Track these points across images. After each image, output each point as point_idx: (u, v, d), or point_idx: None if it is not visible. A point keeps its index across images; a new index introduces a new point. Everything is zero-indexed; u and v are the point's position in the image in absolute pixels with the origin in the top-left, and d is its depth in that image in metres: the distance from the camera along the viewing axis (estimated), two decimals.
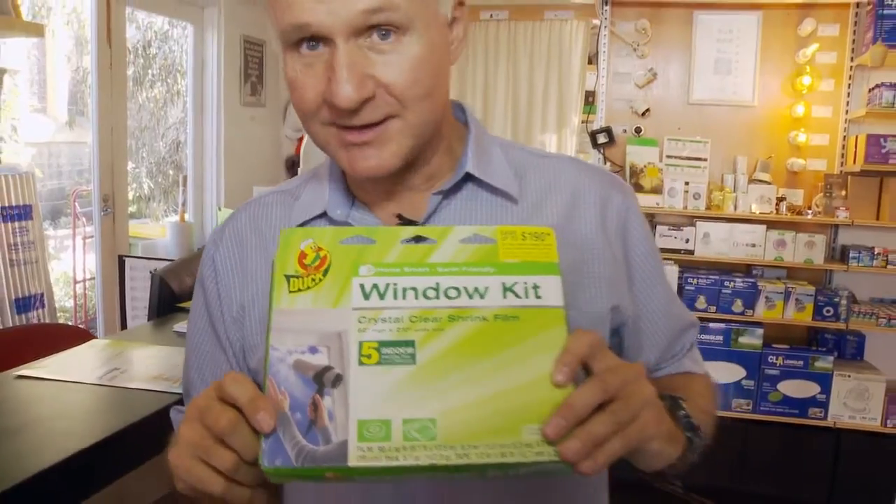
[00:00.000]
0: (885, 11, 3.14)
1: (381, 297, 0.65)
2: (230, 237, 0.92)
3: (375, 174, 0.78)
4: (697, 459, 0.78)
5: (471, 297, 0.65)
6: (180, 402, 1.01)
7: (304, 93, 0.76)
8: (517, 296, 0.66)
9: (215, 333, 0.91)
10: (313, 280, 0.66)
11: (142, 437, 1.52)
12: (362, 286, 0.66)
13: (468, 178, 0.84)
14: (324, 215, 0.86)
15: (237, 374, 0.63)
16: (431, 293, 0.66)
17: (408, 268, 0.67)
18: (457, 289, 0.66)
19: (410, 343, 0.63)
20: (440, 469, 0.59)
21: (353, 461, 0.59)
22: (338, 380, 0.62)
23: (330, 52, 0.73)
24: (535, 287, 0.66)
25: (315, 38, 0.74)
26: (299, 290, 0.66)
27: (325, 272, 0.66)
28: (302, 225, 0.86)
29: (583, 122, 4.74)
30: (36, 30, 2.81)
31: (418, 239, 0.69)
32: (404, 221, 0.83)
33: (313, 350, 0.63)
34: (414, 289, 0.66)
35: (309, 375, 0.62)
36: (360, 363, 0.62)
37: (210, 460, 0.61)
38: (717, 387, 0.97)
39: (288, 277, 0.66)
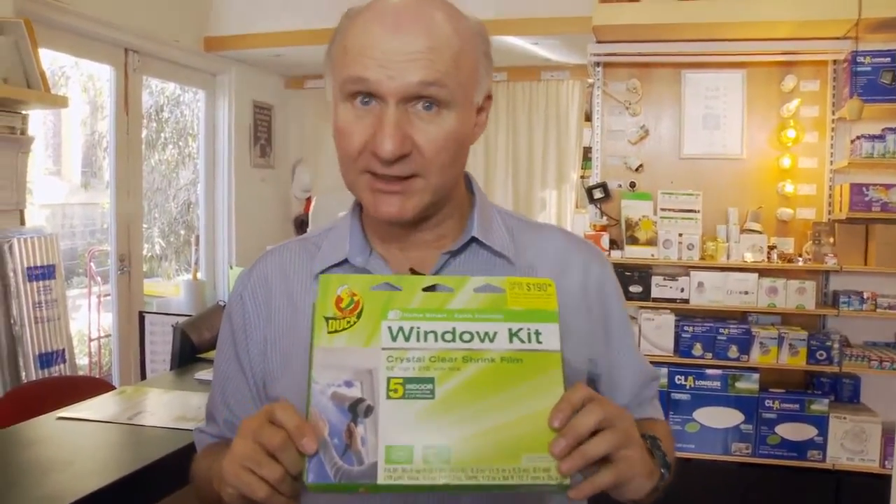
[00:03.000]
0: (859, 68, 3.31)
1: (407, 338, 0.76)
2: (258, 278, 1.03)
3: (395, 219, 0.91)
4: (661, 494, 0.91)
5: (482, 340, 0.77)
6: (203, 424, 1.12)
7: (351, 140, 0.88)
8: (521, 340, 0.77)
9: (239, 363, 1.02)
10: (348, 322, 0.77)
11: (168, 471, 1.65)
12: (390, 328, 0.77)
13: (472, 240, 0.97)
14: (344, 262, 0.97)
15: (286, 403, 0.75)
16: (449, 336, 0.77)
17: (429, 313, 0.78)
18: (470, 333, 0.77)
19: (430, 380, 0.75)
20: (452, 488, 0.72)
21: (381, 480, 0.71)
22: (369, 410, 0.73)
23: (380, 109, 0.86)
24: (537, 333, 0.78)
25: (370, 95, 0.86)
26: (336, 330, 0.77)
27: (359, 315, 0.77)
28: (324, 271, 0.97)
29: (581, 178, 4.89)
30: (61, 101, 2.99)
31: (438, 287, 0.81)
32: (415, 274, 0.95)
33: (349, 384, 0.74)
34: (434, 332, 0.77)
35: (345, 406, 0.73)
36: (388, 396, 0.74)
37: (259, 471, 0.73)
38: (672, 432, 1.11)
39: (327, 319, 0.77)
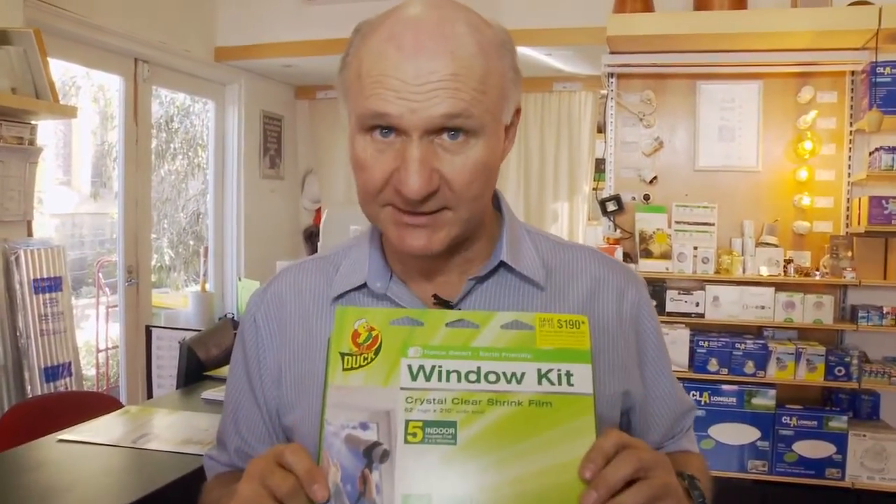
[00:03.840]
0: (879, 79, 3.25)
1: (427, 378, 0.71)
2: (272, 299, 0.97)
3: (422, 253, 0.83)
4: None
5: (508, 381, 0.71)
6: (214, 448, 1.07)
7: (372, 174, 0.81)
8: (551, 382, 0.72)
9: (251, 389, 0.97)
10: (365, 359, 0.72)
11: (173, 498, 1.60)
12: (410, 367, 0.71)
13: (501, 264, 0.90)
14: (363, 286, 0.92)
15: (296, 445, 0.70)
16: (473, 377, 0.71)
17: (452, 351, 0.72)
18: (496, 373, 0.71)
19: (452, 424, 0.69)
20: None
21: None
22: (385, 455, 0.68)
23: (402, 143, 0.79)
24: (568, 375, 0.72)
25: (390, 128, 0.79)
26: (352, 367, 0.71)
27: (377, 351, 0.72)
28: (342, 295, 0.92)
29: (594, 190, 4.84)
30: (70, 112, 2.96)
31: (463, 322, 0.75)
32: (439, 301, 0.90)
33: (364, 426, 0.69)
34: (457, 372, 0.71)
35: (359, 450, 0.68)
36: (406, 441, 0.68)
37: None
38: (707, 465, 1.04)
39: (342, 355, 0.72)
